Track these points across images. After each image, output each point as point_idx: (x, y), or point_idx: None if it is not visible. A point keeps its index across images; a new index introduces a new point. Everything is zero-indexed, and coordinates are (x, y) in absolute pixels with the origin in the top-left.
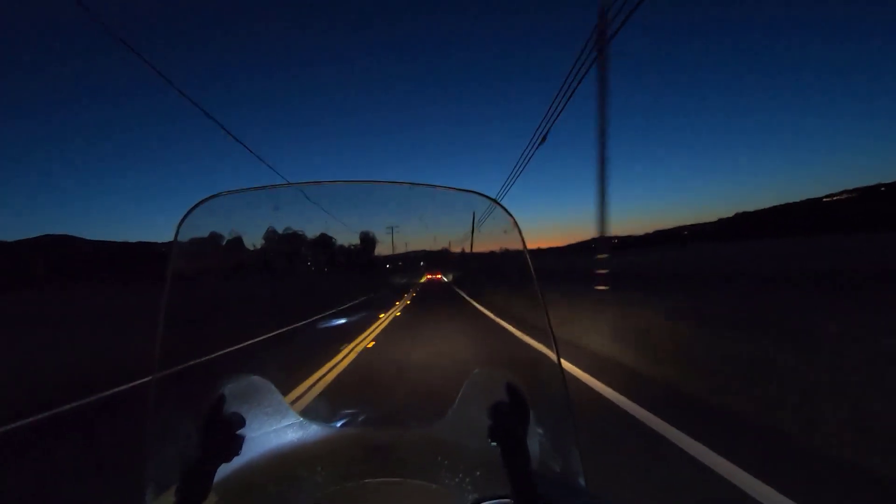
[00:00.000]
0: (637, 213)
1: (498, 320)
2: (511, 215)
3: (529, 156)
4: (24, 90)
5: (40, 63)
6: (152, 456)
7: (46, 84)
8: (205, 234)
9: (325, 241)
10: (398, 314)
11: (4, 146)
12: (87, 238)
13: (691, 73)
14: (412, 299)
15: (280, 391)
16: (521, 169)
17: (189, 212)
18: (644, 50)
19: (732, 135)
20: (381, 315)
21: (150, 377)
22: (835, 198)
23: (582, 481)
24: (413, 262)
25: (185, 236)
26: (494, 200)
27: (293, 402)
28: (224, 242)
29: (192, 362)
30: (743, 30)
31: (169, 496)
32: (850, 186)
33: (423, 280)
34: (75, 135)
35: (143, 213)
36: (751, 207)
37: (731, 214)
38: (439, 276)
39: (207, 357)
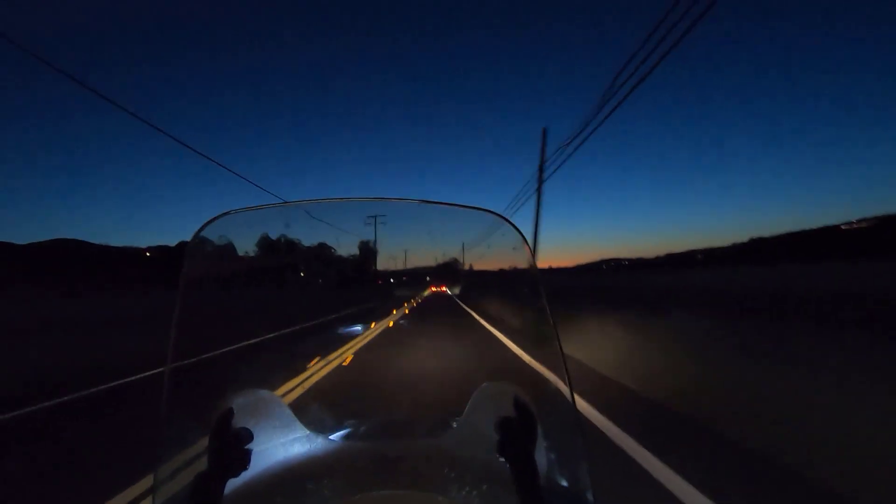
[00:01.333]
0: (648, 236)
1: (494, 330)
2: (520, 233)
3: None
4: (40, 109)
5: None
6: (162, 469)
7: (60, 100)
8: (216, 247)
9: (332, 256)
10: (407, 311)
11: (18, 153)
12: (94, 242)
13: (707, 97)
14: (417, 306)
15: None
16: (526, 195)
17: (203, 227)
18: (658, 74)
19: (749, 161)
20: (394, 310)
21: (161, 390)
22: (854, 225)
23: (590, 496)
24: (419, 276)
25: (196, 249)
26: (504, 218)
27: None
28: (234, 256)
29: (229, 347)
30: (760, 54)
31: None
32: (869, 214)
33: (426, 293)
34: (80, 145)
35: (130, 218)
36: (766, 233)
37: (745, 239)
38: (444, 289)
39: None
